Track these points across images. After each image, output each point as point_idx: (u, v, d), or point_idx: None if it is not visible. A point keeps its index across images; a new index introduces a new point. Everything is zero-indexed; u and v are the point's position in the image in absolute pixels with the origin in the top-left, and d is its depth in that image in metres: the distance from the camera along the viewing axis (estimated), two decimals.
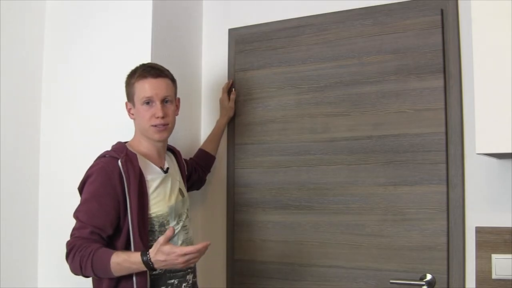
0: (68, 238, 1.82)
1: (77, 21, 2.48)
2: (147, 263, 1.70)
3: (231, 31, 2.58)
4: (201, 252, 1.73)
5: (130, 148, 1.93)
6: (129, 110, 2.00)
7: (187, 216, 2.03)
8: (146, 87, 1.92)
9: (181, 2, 2.52)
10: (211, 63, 2.61)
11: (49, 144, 2.50)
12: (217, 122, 2.51)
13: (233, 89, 2.52)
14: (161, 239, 1.69)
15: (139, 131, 1.99)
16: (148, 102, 1.93)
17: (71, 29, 2.49)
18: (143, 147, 1.98)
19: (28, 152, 2.47)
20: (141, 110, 1.94)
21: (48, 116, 2.51)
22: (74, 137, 2.43)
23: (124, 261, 1.72)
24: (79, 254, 1.73)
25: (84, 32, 2.45)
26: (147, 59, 2.24)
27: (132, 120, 2.03)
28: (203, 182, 2.46)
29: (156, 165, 1.97)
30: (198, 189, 2.45)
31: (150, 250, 1.71)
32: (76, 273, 1.78)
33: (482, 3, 1.73)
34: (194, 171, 2.35)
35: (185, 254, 1.69)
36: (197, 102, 2.61)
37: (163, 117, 1.93)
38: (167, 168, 1.99)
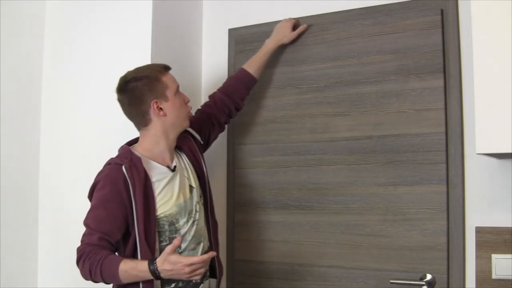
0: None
1: (77, 21, 2.48)
2: (154, 272, 1.72)
3: (231, 31, 2.58)
4: (206, 262, 1.76)
5: (135, 152, 1.93)
6: (159, 109, 1.94)
7: (196, 210, 2.01)
8: (173, 78, 2.01)
9: (181, 2, 2.52)
10: (211, 63, 2.61)
11: (49, 144, 2.50)
12: (265, 44, 2.37)
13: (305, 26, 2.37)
14: (168, 248, 1.72)
15: (168, 127, 1.96)
16: (178, 90, 2.00)
17: (71, 29, 2.50)
18: (158, 149, 1.97)
19: (28, 152, 2.47)
20: (177, 100, 1.99)
21: (48, 116, 2.52)
22: (74, 137, 2.44)
23: (132, 269, 1.75)
24: (89, 261, 1.76)
25: (84, 32, 2.46)
26: (147, 59, 2.25)
27: (128, 122, 2.01)
28: (240, 107, 2.33)
29: (164, 164, 1.96)
30: (233, 116, 2.34)
31: (157, 259, 1.73)
32: (86, 279, 1.81)
33: (482, 3, 1.73)
34: (212, 126, 2.25)
35: (191, 264, 1.70)
36: (197, 102, 2.60)
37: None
38: (174, 167, 1.99)
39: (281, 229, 2.37)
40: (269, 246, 2.39)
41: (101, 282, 1.80)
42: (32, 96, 2.50)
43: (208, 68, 2.62)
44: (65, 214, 2.40)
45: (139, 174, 1.86)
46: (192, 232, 1.96)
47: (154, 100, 1.93)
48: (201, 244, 1.99)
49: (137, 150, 1.97)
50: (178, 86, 2.01)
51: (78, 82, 2.45)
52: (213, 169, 2.54)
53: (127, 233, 1.85)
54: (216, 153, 2.54)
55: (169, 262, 1.70)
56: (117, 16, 2.38)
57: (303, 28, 2.37)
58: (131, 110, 1.98)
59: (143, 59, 2.22)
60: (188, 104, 2.06)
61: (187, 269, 1.70)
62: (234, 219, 2.49)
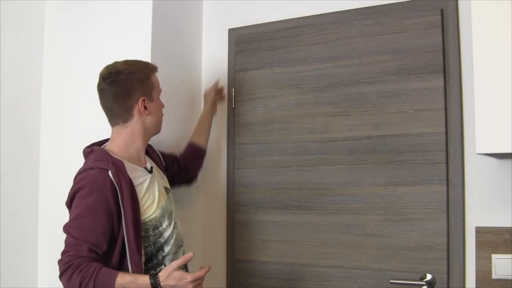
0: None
1: (77, 20, 2.48)
2: (156, 286, 1.66)
3: (231, 31, 2.58)
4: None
5: (113, 155, 1.84)
6: (144, 107, 1.90)
7: (175, 212, 1.98)
8: (158, 81, 1.99)
9: (181, 2, 2.52)
10: (211, 63, 2.61)
11: (49, 144, 2.49)
12: (202, 112, 2.48)
13: (224, 91, 2.54)
14: (175, 263, 1.68)
15: (147, 127, 1.93)
16: (159, 94, 1.99)
17: (71, 29, 2.49)
18: (134, 148, 1.91)
19: (28, 152, 2.47)
20: (159, 103, 1.99)
21: (48, 116, 2.51)
22: (74, 137, 2.43)
23: (130, 283, 1.67)
24: (79, 274, 1.65)
25: (84, 32, 2.45)
26: (147, 59, 2.24)
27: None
28: (195, 178, 2.36)
29: (141, 166, 1.91)
30: (189, 183, 2.34)
31: (160, 274, 1.68)
32: None
33: (482, 3, 1.73)
34: (172, 163, 2.22)
35: (195, 280, 1.68)
36: (197, 102, 2.60)
37: None
38: (151, 168, 1.95)
39: (281, 229, 2.37)
40: (269, 246, 2.39)
41: None
42: (32, 96, 2.50)
43: (208, 68, 2.62)
44: (65, 214, 2.40)
45: (125, 179, 1.77)
46: (174, 235, 1.91)
47: (142, 97, 1.89)
48: (182, 248, 1.96)
49: (111, 150, 1.87)
50: (161, 90, 2.00)
51: (78, 82, 2.45)
52: (213, 169, 2.54)
53: (111, 241, 1.75)
54: (216, 153, 2.54)
55: (173, 278, 1.66)
56: (117, 16, 2.38)
57: (215, 86, 2.47)
58: (114, 102, 1.88)
59: (143, 59, 2.21)
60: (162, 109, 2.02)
61: (190, 286, 1.67)
62: (234, 219, 2.49)
